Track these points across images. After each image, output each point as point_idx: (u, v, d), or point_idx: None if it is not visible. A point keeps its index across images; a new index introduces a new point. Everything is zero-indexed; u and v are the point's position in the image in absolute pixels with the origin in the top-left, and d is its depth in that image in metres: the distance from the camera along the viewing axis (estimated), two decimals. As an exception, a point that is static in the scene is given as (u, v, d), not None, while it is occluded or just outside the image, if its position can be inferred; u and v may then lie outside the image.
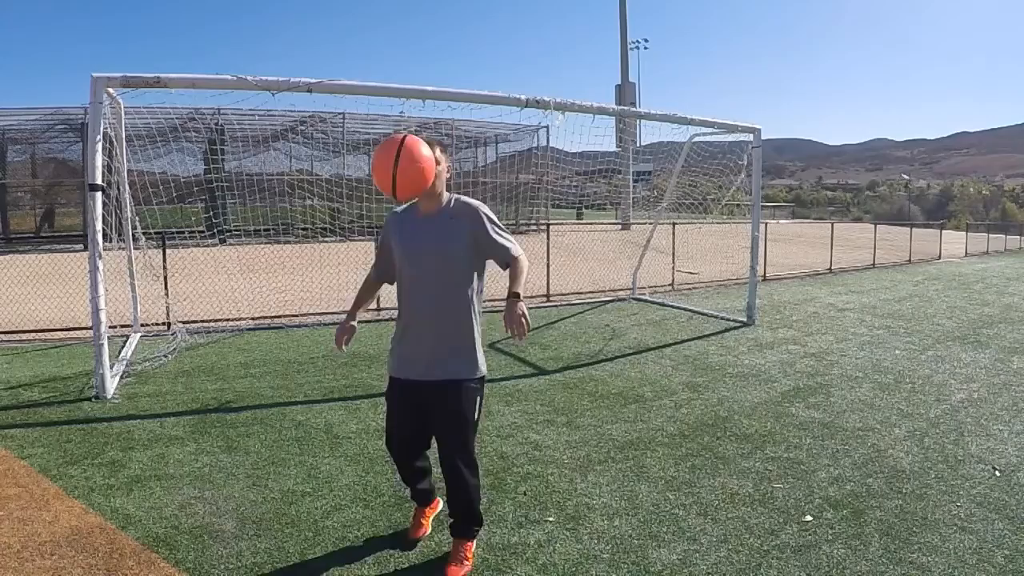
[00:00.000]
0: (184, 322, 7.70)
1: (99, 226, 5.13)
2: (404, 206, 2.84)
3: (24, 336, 7.49)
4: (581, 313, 9.31)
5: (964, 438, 4.40)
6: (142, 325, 7.50)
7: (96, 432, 4.40)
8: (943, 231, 23.95)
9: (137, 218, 7.03)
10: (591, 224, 21.05)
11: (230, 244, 13.73)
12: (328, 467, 3.86)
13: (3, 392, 5.30)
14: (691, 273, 13.15)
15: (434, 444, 2.90)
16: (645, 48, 51.31)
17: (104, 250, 5.24)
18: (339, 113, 19.45)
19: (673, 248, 12.01)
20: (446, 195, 2.78)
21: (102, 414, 4.76)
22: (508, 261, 2.72)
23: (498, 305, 9.56)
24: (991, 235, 27.16)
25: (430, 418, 2.78)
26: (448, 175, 2.78)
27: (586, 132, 7.98)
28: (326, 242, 13.33)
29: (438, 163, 2.67)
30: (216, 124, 17.60)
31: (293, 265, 10.82)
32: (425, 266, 2.70)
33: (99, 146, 5.13)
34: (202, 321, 8.11)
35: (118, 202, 6.61)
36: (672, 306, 9.86)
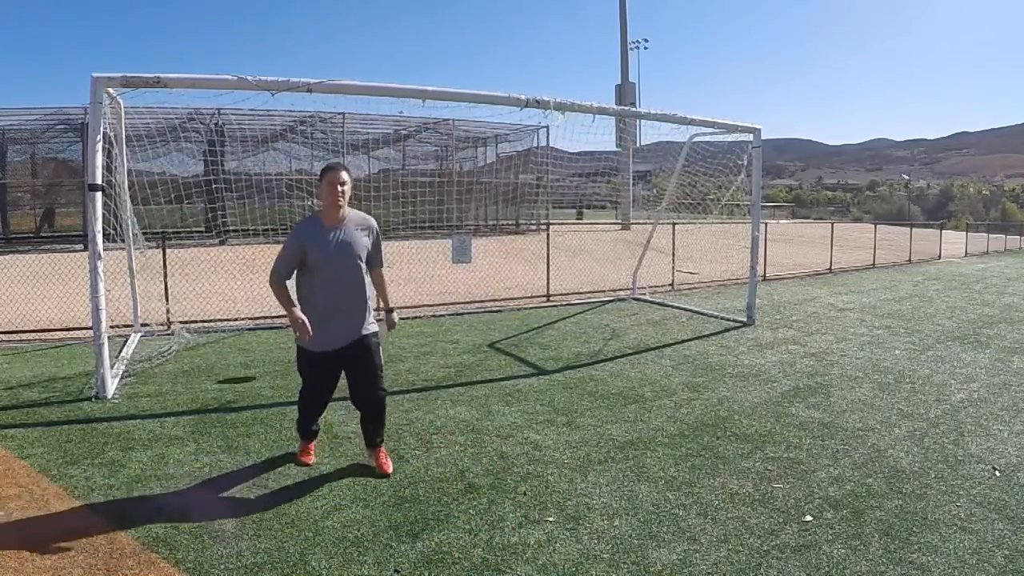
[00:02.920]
0: (184, 322, 7.70)
1: (99, 226, 5.12)
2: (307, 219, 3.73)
3: (24, 336, 7.49)
4: (581, 313, 9.31)
5: (964, 438, 4.41)
6: (142, 325, 7.50)
7: (96, 432, 4.39)
8: (943, 231, 23.95)
9: (136, 218, 7.03)
10: (591, 224, 21.05)
11: (230, 244, 13.73)
12: (328, 467, 3.86)
13: (3, 392, 5.30)
14: (691, 273, 13.15)
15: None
16: (645, 48, 51.28)
17: (104, 250, 5.24)
18: (339, 113, 19.42)
19: (673, 248, 12.01)
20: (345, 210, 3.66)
21: (102, 414, 4.75)
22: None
23: (497, 305, 9.46)
24: (991, 235, 27.18)
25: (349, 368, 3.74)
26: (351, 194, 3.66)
27: (586, 132, 7.95)
28: (326, 242, 13.31)
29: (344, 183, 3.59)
30: (216, 124, 17.59)
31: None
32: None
33: (99, 146, 5.12)
34: (202, 321, 8.11)
35: (118, 202, 6.61)
36: (672, 306, 9.86)
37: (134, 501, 3.41)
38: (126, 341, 6.98)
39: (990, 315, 9.50)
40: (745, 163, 8.96)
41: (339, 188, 3.56)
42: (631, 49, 37.55)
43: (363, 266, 3.68)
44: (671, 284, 11.93)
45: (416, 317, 8.71)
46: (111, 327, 5.98)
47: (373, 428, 3.83)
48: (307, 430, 3.95)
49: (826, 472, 3.85)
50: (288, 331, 7.86)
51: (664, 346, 7.20)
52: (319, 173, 3.69)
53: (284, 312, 3.53)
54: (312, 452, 3.98)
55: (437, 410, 4.85)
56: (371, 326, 3.74)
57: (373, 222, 3.79)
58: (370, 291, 3.76)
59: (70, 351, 6.80)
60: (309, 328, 3.46)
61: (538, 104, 6.63)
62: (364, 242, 3.68)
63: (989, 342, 7.52)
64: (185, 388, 5.42)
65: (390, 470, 3.78)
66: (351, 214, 3.70)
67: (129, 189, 6.75)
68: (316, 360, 3.67)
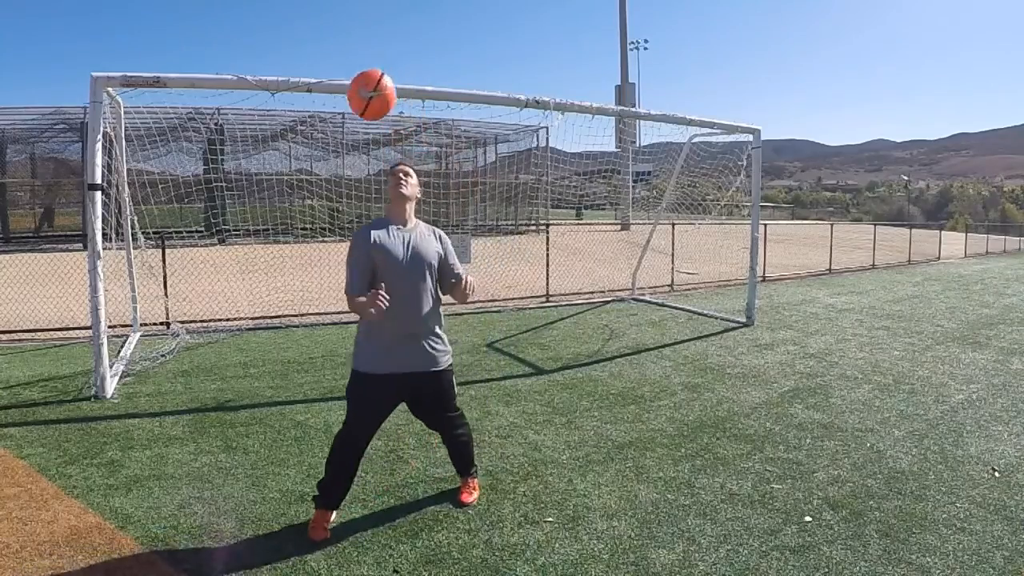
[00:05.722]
0: (183, 322, 7.69)
1: (99, 226, 5.12)
2: (375, 221, 3.27)
3: (23, 335, 7.48)
4: (581, 313, 9.31)
5: (963, 439, 4.41)
6: (142, 325, 7.49)
7: (95, 432, 4.39)
8: (942, 232, 23.98)
9: (136, 218, 7.03)
10: (591, 224, 21.06)
11: (229, 244, 13.74)
12: (327, 467, 3.85)
13: (2, 391, 5.30)
14: (690, 274, 13.15)
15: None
16: (645, 48, 51.27)
17: (103, 250, 5.24)
18: (339, 113, 19.44)
19: (672, 249, 12.01)
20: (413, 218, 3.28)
21: (101, 414, 4.75)
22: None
23: (497, 305, 9.46)
24: (990, 236, 27.24)
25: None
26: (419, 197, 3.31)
27: (586, 132, 7.95)
28: (325, 242, 13.34)
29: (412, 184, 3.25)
30: (216, 124, 17.58)
31: (292, 265, 10.82)
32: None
33: (99, 146, 5.12)
34: (201, 321, 8.11)
35: (118, 202, 6.61)
36: (671, 307, 9.86)
37: (133, 501, 3.40)
38: (125, 341, 6.98)
39: (989, 316, 9.50)
40: (744, 164, 8.96)
41: (401, 177, 3.19)
42: (631, 49, 37.60)
43: (433, 277, 3.19)
44: (670, 285, 11.93)
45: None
46: (110, 327, 5.98)
47: (458, 460, 3.50)
48: (329, 491, 3.16)
49: (825, 473, 3.85)
50: (287, 331, 7.87)
51: (663, 346, 7.20)
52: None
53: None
54: (327, 528, 3.10)
55: (436, 410, 4.85)
56: (446, 358, 3.25)
57: (440, 231, 3.36)
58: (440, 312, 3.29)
59: (69, 351, 6.80)
60: (384, 300, 2.84)
61: (538, 104, 6.64)
62: (435, 248, 3.22)
63: (988, 343, 7.53)
64: (184, 388, 5.42)
65: (468, 501, 3.41)
66: (420, 224, 3.28)
67: (128, 188, 6.75)
68: (368, 384, 3.09)
